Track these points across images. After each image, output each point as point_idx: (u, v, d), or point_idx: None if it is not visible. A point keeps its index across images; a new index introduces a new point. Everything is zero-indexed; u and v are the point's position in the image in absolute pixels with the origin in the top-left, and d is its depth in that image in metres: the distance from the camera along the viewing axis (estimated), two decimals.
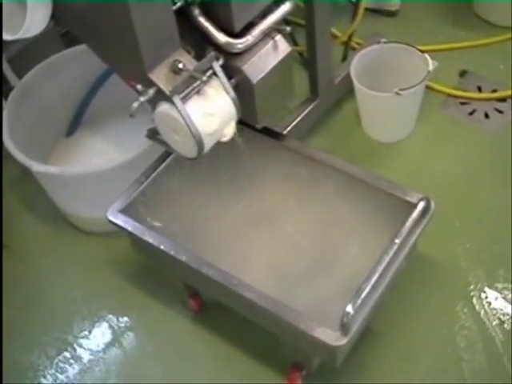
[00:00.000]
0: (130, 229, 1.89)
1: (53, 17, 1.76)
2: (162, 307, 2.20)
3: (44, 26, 1.74)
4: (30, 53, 2.58)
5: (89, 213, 2.35)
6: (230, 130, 1.78)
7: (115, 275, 2.30)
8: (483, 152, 2.47)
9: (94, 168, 2.17)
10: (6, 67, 2.45)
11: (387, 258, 1.70)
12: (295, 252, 1.90)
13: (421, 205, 1.80)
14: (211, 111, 1.71)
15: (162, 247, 1.83)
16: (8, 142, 2.22)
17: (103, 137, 2.60)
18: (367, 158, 2.47)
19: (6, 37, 1.76)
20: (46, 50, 2.53)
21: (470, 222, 2.28)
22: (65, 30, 2.68)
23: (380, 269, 1.68)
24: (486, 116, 2.59)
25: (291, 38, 2.69)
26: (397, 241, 1.73)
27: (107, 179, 2.16)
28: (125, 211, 1.94)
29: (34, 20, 1.69)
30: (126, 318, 2.21)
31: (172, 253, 1.82)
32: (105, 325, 2.21)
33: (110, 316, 2.23)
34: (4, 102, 2.37)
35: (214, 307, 2.09)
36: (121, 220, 1.92)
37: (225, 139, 1.79)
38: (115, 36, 1.70)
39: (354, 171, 1.96)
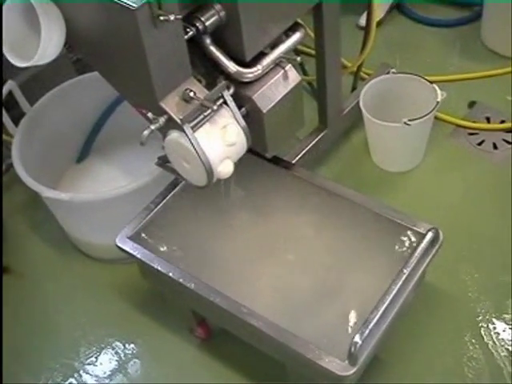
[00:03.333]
0: (138, 256, 1.90)
1: (65, 44, 1.77)
2: (168, 334, 2.20)
3: (57, 53, 1.76)
4: (41, 79, 2.60)
5: (98, 239, 2.36)
6: (227, 168, 1.78)
7: (122, 301, 2.30)
8: (492, 182, 2.47)
9: (103, 195, 2.18)
10: (17, 93, 2.46)
11: (395, 288, 1.70)
12: (303, 280, 1.89)
13: (429, 235, 1.80)
14: (222, 140, 1.72)
15: (170, 274, 1.84)
16: (18, 168, 2.24)
17: (113, 163, 2.61)
18: (376, 188, 2.48)
19: (18, 63, 1.77)
20: (58, 77, 2.55)
21: (478, 252, 2.28)
22: (77, 56, 2.71)
23: (388, 299, 1.68)
24: (495, 146, 2.59)
25: (301, 68, 2.71)
26: (405, 271, 1.73)
27: (117, 206, 2.17)
28: (134, 238, 1.94)
29: (47, 47, 1.71)
30: (132, 345, 2.21)
31: (180, 280, 1.83)
32: (111, 351, 2.21)
33: (117, 343, 2.23)
34: (15, 128, 2.39)
35: (221, 335, 2.09)
36: (130, 247, 1.92)
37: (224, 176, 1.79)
38: (127, 64, 1.72)
39: (362, 201, 1.97)
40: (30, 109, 2.46)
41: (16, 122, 2.41)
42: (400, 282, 1.71)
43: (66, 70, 2.66)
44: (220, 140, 1.70)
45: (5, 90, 2.43)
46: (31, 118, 2.43)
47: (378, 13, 2.64)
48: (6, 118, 2.42)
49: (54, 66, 1.81)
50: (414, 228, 1.87)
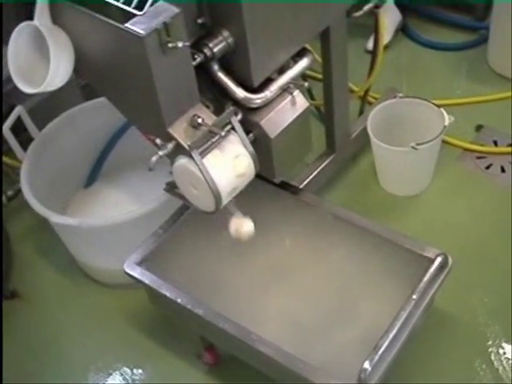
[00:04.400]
0: (147, 282, 1.90)
1: (74, 70, 1.78)
2: (176, 360, 2.19)
3: (66, 80, 1.76)
4: (50, 104, 2.61)
5: (105, 264, 2.35)
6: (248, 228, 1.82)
7: (130, 327, 2.30)
8: (500, 206, 2.47)
9: (111, 220, 2.18)
10: (26, 118, 2.48)
11: (404, 314, 1.70)
12: (312, 306, 1.90)
13: (438, 260, 1.80)
14: (229, 165, 1.72)
15: (178, 301, 1.84)
16: (27, 193, 2.24)
17: (121, 189, 2.62)
18: (384, 212, 2.48)
19: (27, 90, 1.78)
20: (66, 102, 2.56)
21: (487, 277, 2.27)
22: (85, 82, 2.72)
23: (397, 324, 1.67)
24: (503, 170, 2.59)
25: (308, 92, 2.71)
26: (414, 296, 1.73)
27: (125, 231, 2.17)
28: (142, 264, 1.94)
29: (56, 75, 1.72)
30: (140, 371, 2.21)
31: (189, 306, 1.82)
32: (119, 377, 2.20)
33: (125, 368, 2.22)
34: (24, 153, 2.40)
35: (229, 360, 2.08)
36: (138, 272, 1.92)
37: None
38: (135, 90, 1.73)
39: (371, 226, 1.97)
40: (38, 134, 2.46)
41: (24, 147, 2.42)
42: (409, 308, 1.71)
43: (74, 95, 2.67)
44: (231, 169, 1.70)
45: (13, 116, 2.44)
46: (40, 143, 2.43)
47: (385, 37, 2.65)
48: (14, 143, 2.43)
49: (63, 91, 1.81)
50: (423, 253, 1.87)
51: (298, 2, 1.87)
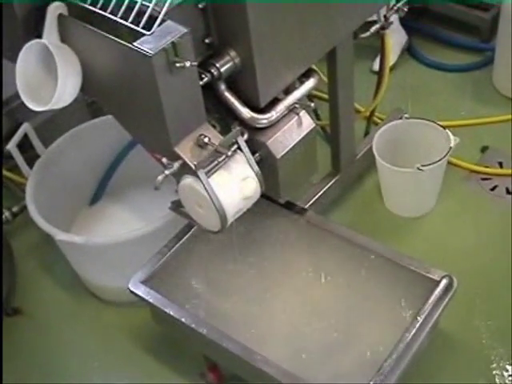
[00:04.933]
0: (151, 300, 1.90)
1: (81, 87, 1.79)
2: (180, 379, 2.18)
3: (73, 97, 1.77)
4: (56, 122, 2.63)
5: (109, 282, 2.35)
6: None
7: (133, 345, 2.29)
8: (504, 227, 2.46)
9: (116, 238, 2.18)
10: (32, 136, 2.49)
11: (409, 336, 1.70)
12: (316, 327, 1.89)
13: (443, 282, 1.80)
14: (235, 186, 1.72)
15: (183, 320, 1.84)
16: (32, 210, 2.25)
17: (126, 207, 2.62)
18: (389, 233, 2.48)
19: (34, 107, 1.78)
20: (73, 120, 2.57)
21: (492, 299, 2.27)
22: (91, 99, 2.73)
23: (402, 347, 1.67)
24: (508, 192, 2.59)
25: (314, 113, 2.72)
26: (419, 318, 1.73)
27: (130, 250, 2.17)
28: (146, 282, 1.94)
29: (63, 93, 1.72)
30: None
31: (193, 326, 1.82)
32: None
33: None
34: (29, 170, 2.40)
35: (232, 380, 2.07)
36: (142, 291, 1.92)
37: None
38: (142, 109, 1.73)
39: (375, 247, 1.97)
40: (44, 151, 2.47)
41: (30, 163, 2.43)
42: (414, 330, 1.71)
43: (80, 112, 2.68)
44: (238, 191, 1.71)
45: (20, 133, 2.45)
46: (45, 160, 2.44)
47: (391, 57, 2.66)
48: (20, 160, 2.44)
49: (69, 108, 1.82)
50: (428, 275, 1.87)
51: (305, 22, 1.87)
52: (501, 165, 2.70)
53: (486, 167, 2.68)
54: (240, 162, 1.73)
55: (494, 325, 2.20)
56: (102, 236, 2.41)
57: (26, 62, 1.76)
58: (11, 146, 2.43)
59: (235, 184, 1.70)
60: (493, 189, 2.61)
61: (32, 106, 1.79)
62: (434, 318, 1.77)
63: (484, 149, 2.76)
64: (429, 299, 1.77)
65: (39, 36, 1.72)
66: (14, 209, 2.57)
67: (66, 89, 1.74)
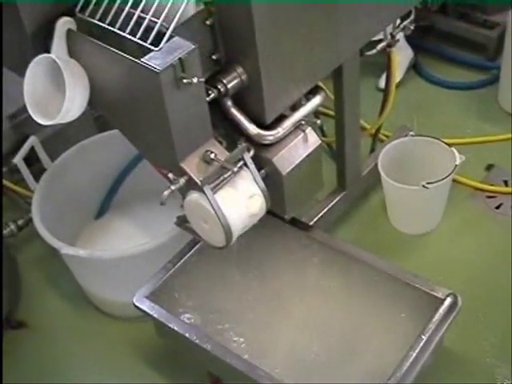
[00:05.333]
0: (155, 315, 1.90)
1: (88, 102, 1.79)
2: None
3: (81, 112, 1.77)
4: (63, 135, 2.64)
5: (114, 296, 2.35)
6: None
7: (137, 359, 2.29)
8: (509, 246, 2.46)
9: (121, 252, 2.18)
10: (39, 149, 2.50)
11: (413, 355, 1.69)
12: (320, 343, 1.89)
13: (448, 300, 1.80)
14: (241, 202, 1.72)
15: (187, 335, 1.84)
16: (37, 223, 2.26)
17: (132, 221, 2.62)
18: (394, 250, 2.48)
19: (41, 121, 1.79)
20: (79, 133, 2.58)
21: (497, 317, 2.26)
22: (98, 113, 2.74)
23: (406, 365, 1.67)
24: None
25: (320, 129, 2.72)
26: (423, 336, 1.73)
27: (134, 264, 2.17)
28: (151, 297, 1.95)
29: (71, 108, 1.73)
30: None
31: (197, 341, 1.82)
32: None
33: None
34: (35, 183, 2.41)
35: None
36: (147, 306, 1.92)
37: None
38: (148, 124, 1.73)
39: (380, 264, 1.97)
40: (50, 164, 2.48)
41: (37, 177, 2.44)
42: (418, 348, 1.70)
43: (87, 126, 2.69)
44: (244, 208, 1.71)
45: (27, 146, 2.46)
46: (52, 173, 2.45)
47: (397, 75, 2.66)
48: (26, 174, 2.44)
49: (76, 122, 1.82)
50: (433, 293, 1.87)
51: (312, 39, 1.88)
52: (506, 183, 2.70)
53: (491, 185, 2.68)
54: (246, 179, 1.73)
55: (498, 343, 2.19)
56: (107, 250, 2.41)
57: (34, 76, 1.76)
58: (18, 160, 2.43)
59: (241, 200, 1.71)
60: (498, 207, 2.61)
61: (39, 120, 1.79)
62: (438, 337, 1.77)
63: (489, 167, 2.76)
64: (433, 317, 1.77)
65: (47, 51, 1.73)
66: (20, 222, 2.57)
67: (74, 103, 1.74)
